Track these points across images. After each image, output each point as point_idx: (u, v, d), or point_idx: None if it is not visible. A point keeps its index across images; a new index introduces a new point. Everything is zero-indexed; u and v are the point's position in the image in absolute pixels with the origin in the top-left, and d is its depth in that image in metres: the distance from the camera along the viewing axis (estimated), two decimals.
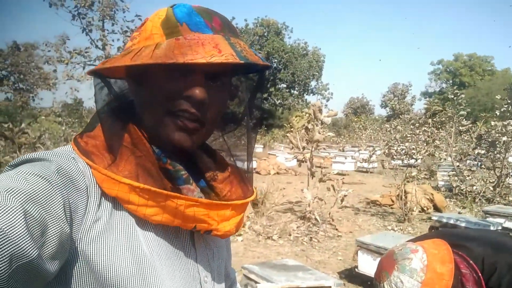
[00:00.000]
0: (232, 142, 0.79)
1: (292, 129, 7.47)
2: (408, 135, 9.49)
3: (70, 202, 0.56)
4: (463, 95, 8.99)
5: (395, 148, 8.73)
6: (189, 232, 0.70)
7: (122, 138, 0.66)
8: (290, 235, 6.26)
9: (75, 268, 0.58)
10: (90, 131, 0.68)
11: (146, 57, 0.59)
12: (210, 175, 0.74)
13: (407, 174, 7.56)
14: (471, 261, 1.22)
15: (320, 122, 6.92)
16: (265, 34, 35.34)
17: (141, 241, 0.63)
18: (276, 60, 35.53)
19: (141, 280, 0.61)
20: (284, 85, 36.92)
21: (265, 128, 29.57)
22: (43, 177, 0.54)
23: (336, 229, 6.71)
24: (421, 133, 9.08)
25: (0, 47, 24.56)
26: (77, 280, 0.59)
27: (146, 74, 0.64)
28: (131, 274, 0.60)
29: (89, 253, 0.58)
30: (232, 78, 0.73)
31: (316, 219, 6.72)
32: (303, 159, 7.21)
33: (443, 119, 10.89)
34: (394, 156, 8.91)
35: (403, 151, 8.41)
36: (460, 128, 9.55)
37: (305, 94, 38.19)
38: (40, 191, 0.52)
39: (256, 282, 3.02)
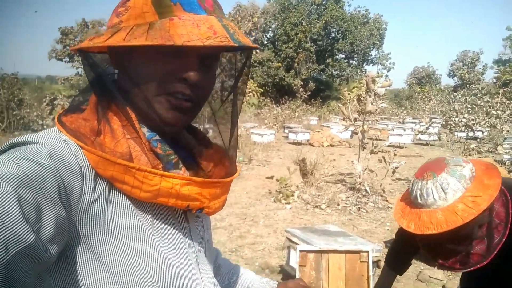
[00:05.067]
0: (217, 120, 0.80)
1: (345, 100, 7.39)
2: (469, 106, 8.87)
3: (65, 185, 0.55)
4: None
5: (454, 119, 8.26)
6: (182, 210, 0.72)
7: (112, 119, 0.66)
8: (338, 204, 6.35)
9: (76, 250, 0.59)
10: (76, 110, 0.68)
11: (141, 37, 0.59)
12: (196, 152, 0.75)
13: (467, 146, 7.18)
14: (503, 187, 1.28)
15: (373, 92, 6.78)
16: (324, 2, 34.12)
17: (140, 219, 0.65)
18: (334, 30, 34.32)
19: (144, 254, 0.63)
20: (342, 56, 35.72)
21: (321, 100, 29.09)
22: (35, 161, 0.53)
23: (387, 201, 6.66)
24: (482, 103, 8.46)
25: (70, 25, 26.31)
26: (79, 262, 0.60)
27: (138, 54, 0.64)
28: (133, 251, 0.62)
29: (88, 234, 0.59)
30: (219, 57, 0.74)
31: (366, 190, 6.71)
32: (356, 131, 7.14)
33: None
34: (452, 128, 8.44)
35: (462, 122, 7.94)
36: None
37: (364, 64, 36.74)
38: (33, 176, 0.51)
39: (297, 244, 3.19)
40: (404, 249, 1.74)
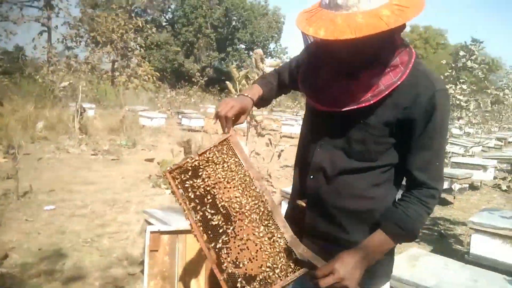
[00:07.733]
0: None
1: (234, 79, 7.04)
2: None
3: None
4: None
5: None
6: None
7: None
8: None
9: None
10: None
11: None
12: None
13: None
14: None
15: (261, 71, 6.54)
16: None
17: None
18: (235, 18, 34.21)
19: None
20: (243, 46, 35.88)
21: (218, 88, 28.77)
22: None
23: (272, 185, 6.51)
24: None
25: None
26: None
27: None
28: None
29: None
30: None
31: None
32: None
33: None
34: None
35: None
36: None
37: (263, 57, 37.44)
38: None
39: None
40: (280, 79, 1.56)
